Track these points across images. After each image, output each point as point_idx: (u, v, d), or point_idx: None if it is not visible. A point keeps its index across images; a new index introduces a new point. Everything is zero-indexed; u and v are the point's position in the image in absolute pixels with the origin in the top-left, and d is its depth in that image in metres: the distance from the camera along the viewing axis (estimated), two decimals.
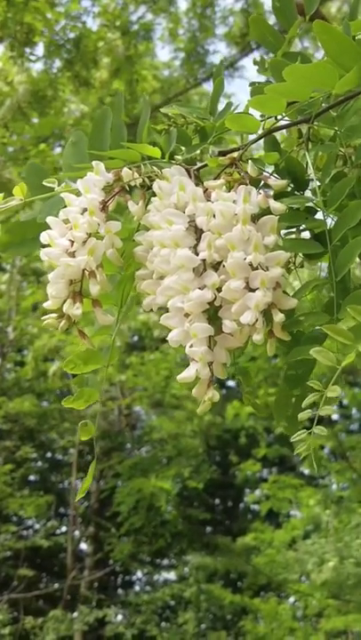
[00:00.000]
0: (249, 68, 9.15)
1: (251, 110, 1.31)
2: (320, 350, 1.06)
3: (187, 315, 1.15)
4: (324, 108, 1.32)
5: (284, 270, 1.15)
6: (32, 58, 7.66)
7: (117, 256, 1.25)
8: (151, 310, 1.25)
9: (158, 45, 10.71)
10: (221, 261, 1.16)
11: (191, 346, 1.13)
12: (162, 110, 1.40)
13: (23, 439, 13.02)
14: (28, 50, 7.41)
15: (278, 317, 1.13)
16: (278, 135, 1.41)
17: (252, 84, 1.46)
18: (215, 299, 1.15)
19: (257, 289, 1.12)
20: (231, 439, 13.56)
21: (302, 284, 1.25)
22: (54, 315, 1.22)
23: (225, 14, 9.14)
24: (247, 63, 9.33)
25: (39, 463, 14.31)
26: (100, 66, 7.89)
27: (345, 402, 12.94)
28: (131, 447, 13.95)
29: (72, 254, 1.21)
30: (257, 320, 1.11)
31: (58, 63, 7.77)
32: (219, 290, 1.15)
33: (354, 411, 13.19)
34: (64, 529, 13.72)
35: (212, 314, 1.18)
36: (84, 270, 1.21)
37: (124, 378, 11.67)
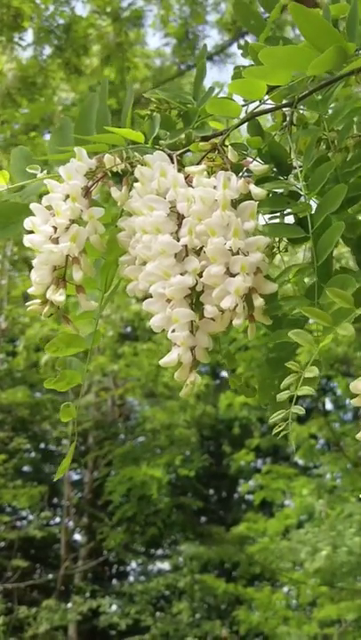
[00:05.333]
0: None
1: (236, 95, 1.30)
2: (298, 332, 1.07)
3: (169, 300, 1.15)
4: (305, 93, 1.31)
5: (265, 255, 1.15)
6: (21, 44, 7.59)
7: (100, 242, 1.25)
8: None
9: (149, 33, 10.64)
10: (203, 247, 1.16)
11: (173, 331, 1.14)
12: (145, 95, 1.39)
13: (16, 430, 13.01)
14: (16, 35, 7.32)
15: (258, 302, 1.13)
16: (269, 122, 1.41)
17: (236, 68, 1.45)
18: (197, 284, 1.15)
19: (237, 274, 1.12)
20: (225, 429, 13.57)
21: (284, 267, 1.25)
22: (38, 300, 1.22)
23: (217, 1, 9.08)
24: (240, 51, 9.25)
25: (32, 454, 14.30)
26: (90, 53, 7.82)
27: (339, 392, 12.96)
28: (124, 437, 13.95)
29: (55, 241, 1.21)
30: (237, 305, 1.11)
31: (48, 50, 7.71)
32: (200, 275, 1.15)
33: (347, 401, 13.20)
34: (58, 519, 13.74)
35: (196, 299, 1.18)
36: (67, 256, 1.21)
37: (117, 368, 11.66)
